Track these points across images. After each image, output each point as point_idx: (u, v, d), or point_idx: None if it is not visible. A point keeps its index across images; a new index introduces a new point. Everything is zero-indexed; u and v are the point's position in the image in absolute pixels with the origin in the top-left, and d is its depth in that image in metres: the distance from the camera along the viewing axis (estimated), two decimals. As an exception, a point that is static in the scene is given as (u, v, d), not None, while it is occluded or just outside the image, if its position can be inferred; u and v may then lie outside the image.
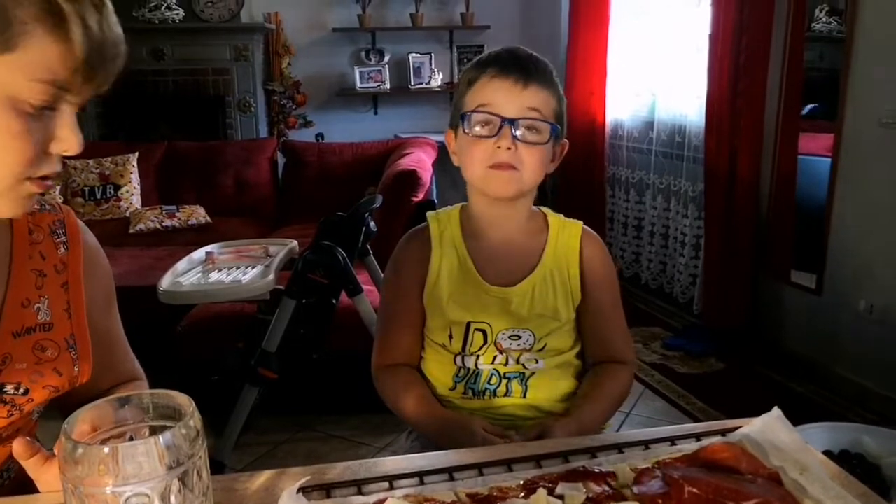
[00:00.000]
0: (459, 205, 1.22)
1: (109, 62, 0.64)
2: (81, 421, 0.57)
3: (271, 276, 2.16)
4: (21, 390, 0.74)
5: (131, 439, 0.60)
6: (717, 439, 0.79)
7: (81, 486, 0.54)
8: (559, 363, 1.19)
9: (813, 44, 3.19)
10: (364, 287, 2.33)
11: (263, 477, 0.76)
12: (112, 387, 0.88)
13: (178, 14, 4.29)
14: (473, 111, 1.09)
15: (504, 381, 1.16)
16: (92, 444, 0.55)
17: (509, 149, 1.07)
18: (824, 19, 4.01)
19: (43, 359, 0.75)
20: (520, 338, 1.14)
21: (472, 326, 1.14)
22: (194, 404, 0.59)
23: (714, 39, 3.11)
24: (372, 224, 2.49)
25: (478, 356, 1.15)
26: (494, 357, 1.15)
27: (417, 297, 1.17)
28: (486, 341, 1.14)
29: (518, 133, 1.07)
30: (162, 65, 4.42)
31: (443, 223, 1.20)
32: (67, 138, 0.65)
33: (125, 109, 4.42)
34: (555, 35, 4.55)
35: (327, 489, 0.72)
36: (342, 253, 2.24)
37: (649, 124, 3.86)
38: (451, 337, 1.15)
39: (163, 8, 4.26)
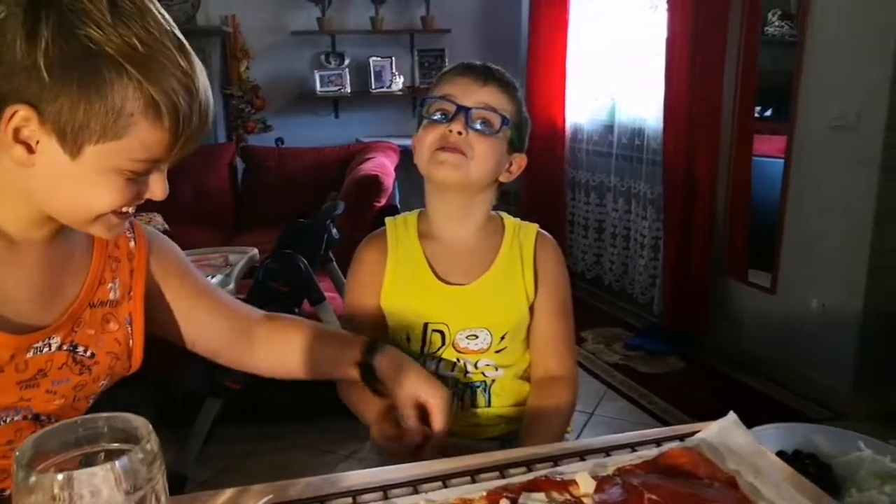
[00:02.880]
0: (418, 210, 1.24)
1: (198, 133, 0.79)
2: (34, 447, 0.56)
3: (231, 286, 2.14)
4: (89, 353, 0.89)
5: (88, 464, 0.59)
6: (675, 444, 0.80)
7: (36, 515, 0.52)
8: (518, 371, 1.20)
9: (766, 47, 3.27)
10: (327, 294, 2.32)
11: (225, 496, 0.75)
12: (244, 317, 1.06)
13: (132, 18, 4.21)
14: (432, 98, 1.14)
15: (468, 391, 1.17)
16: (46, 472, 0.54)
17: (460, 133, 1.10)
18: (777, 23, 4.12)
19: (106, 329, 0.91)
20: (477, 337, 1.15)
21: (430, 327, 1.15)
22: (151, 427, 0.58)
23: (671, 44, 3.17)
24: (334, 231, 2.48)
25: (438, 361, 1.16)
26: (454, 364, 1.16)
27: (377, 302, 1.18)
28: (443, 342, 1.15)
29: (471, 121, 1.11)
30: (116, 69, 4.34)
31: (399, 227, 1.21)
32: (154, 190, 0.81)
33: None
34: (514, 39, 4.59)
35: (290, 506, 0.72)
36: (304, 261, 2.22)
37: (609, 128, 3.91)
38: (408, 339, 1.16)
39: (116, 11, 4.18)
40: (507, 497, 0.71)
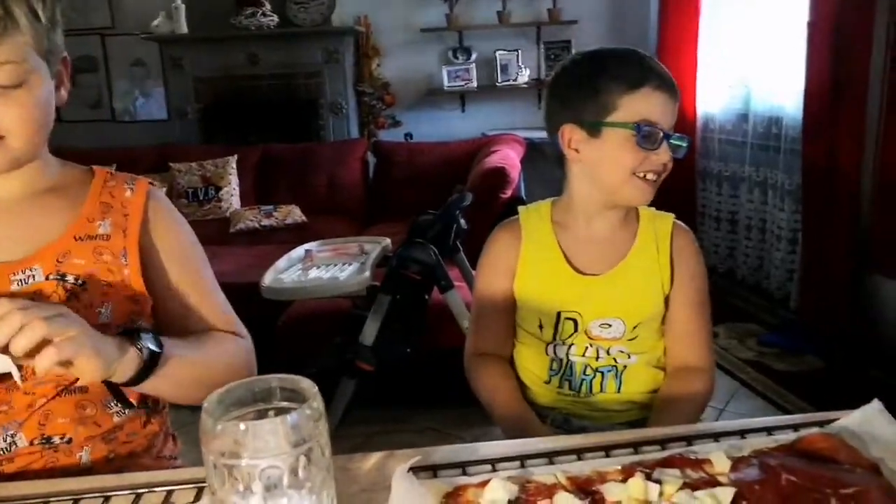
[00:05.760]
0: (550, 199, 1.25)
1: None
2: (218, 400, 0.64)
3: (367, 273, 2.25)
4: (79, 282, 0.92)
5: (260, 418, 0.66)
6: (814, 430, 0.79)
7: (222, 458, 0.61)
8: (651, 359, 1.21)
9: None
10: (455, 283, 2.39)
11: (374, 458, 0.82)
12: (203, 329, 1.04)
13: (272, 20, 4.46)
14: (643, 124, 1.08)
15: (598, 376, 1.19)
16: (229, 422, 0.62)
17: (666, 163, 1.11)
18: (933, -1, 3.78)
19: (100, 260, 0.95)
20: (610, 326, 1.16)
21: (563, 315, 1.17)
22: (317, 388, 0.65)
23: (813, 27, 3.01)
24: (462, 222, 2.54)
25: (570, 346, 1.18)
26: (586, 349, 1.18)
27: (508, 288, 1.21)
28: (576, 329, 1.17)
29: (672, 146, 1.10)
30: (257, 69, 4.60)
31: (533, 215, 1.23)
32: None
33: (224, 114, 4.65)
34: (643, 28, 4.49)
35: (434, 470, 0.77)
36: (435, 250, 2.30)
37: (743, 116, 3.76)
38: (541, 327, 1.19)
39: (258, 15, 4.43)
40: (641, 472, 0.73)
